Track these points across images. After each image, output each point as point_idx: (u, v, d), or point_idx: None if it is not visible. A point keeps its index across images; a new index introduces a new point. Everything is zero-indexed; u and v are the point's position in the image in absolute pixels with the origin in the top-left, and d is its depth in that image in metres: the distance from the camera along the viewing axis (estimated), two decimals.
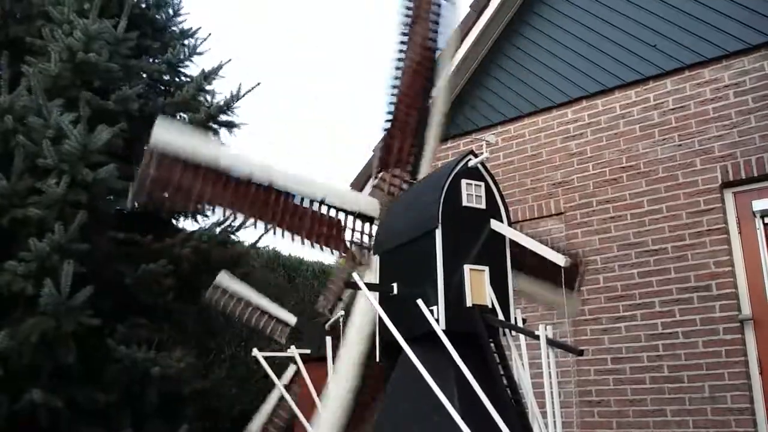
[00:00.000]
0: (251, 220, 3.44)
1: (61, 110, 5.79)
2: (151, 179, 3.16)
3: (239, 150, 3.40)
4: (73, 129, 5.52)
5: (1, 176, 5.44)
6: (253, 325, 3.89)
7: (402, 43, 3.73)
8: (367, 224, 3.57)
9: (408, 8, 3.72)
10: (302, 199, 3.43)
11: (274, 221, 3.42)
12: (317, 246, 3.49)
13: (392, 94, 3.70)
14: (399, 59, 3.72)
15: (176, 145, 3.18)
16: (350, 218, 3.54)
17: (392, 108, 3.69)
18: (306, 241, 3.46)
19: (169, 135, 3.18)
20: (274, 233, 3.46)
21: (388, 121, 3.69)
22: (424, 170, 3.73)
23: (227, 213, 3.52)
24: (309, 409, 3.65)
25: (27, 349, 5.15)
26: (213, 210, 3.43)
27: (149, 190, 3.19)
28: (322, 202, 3.46)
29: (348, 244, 3.51)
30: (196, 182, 3.24)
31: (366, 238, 3.56)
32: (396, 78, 3.71)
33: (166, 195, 3.24)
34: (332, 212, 3.50)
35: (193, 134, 3.30)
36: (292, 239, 3.46)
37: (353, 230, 3.54)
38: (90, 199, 5.58)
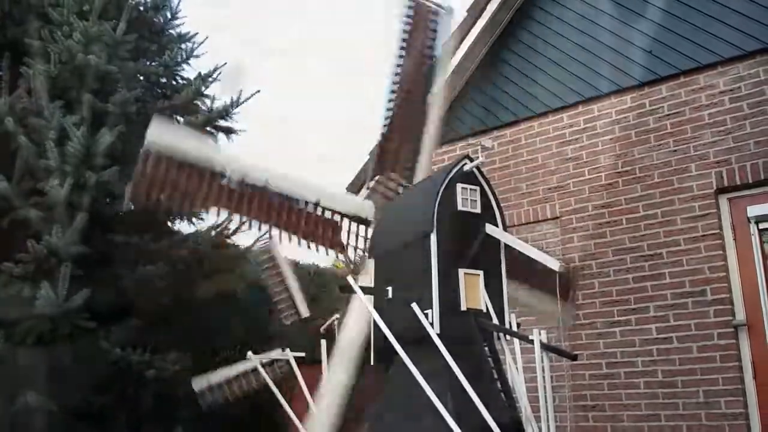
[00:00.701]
0: (247, 221, 3.49)
1: (63, 112, 5.81)
2: (148, 180, 3.21)
3: (234, 152, 3.48)
4: (76, 131, 5.52)
5: (2, 177, 5.44)
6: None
7: (401, 49, 3.84)
8: (363, 227, 3.61)
9: (408, 17, 3.86)
10: (297, 201, 3.49)
11: (269, 221, 3.48)
12: (313, 246, 3.55)
13: (390, 99, 3.77)
14: (398, 65, 3.82)
15: (172, 146, 3.23)
16: (346, 221, 3.59)
17: (390, 112, 3.74)
18: (302, 241, 3.52)
19: (164, 135, 3.23)
20: (270, 234, 3.51)
21: (386, 125, 3.73)
22: (421, 174, 3.75)
23: (223, 214, 3.57)
24: (303, 410, 3.66)
25: (23, 351, 5.15)
26: (208, 211, 3.48)
27: (146, 191, 3.23)
28: (317, 204, 3.52)
29: (344, 245, 3.56)
30: (192, 183, 3.29)
31: (362, 241, 3.59)
32: (395, 83, 3.80)
33: (163, 196, 3.28)
34: (327, 214, 3.55)
35: (189, 135, 3.35)
36: (289, 239, 3.52)
37: (349, 232, 3.59)
38: (91, 201, 5.58)
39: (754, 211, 5.02)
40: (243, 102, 7.02)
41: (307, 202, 3.51)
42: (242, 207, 3.42)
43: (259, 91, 7.08)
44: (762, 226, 5.00)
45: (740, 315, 4.93)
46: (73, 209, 5.46)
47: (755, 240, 5.00)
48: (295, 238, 3.52)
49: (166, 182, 3.24)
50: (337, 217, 3.58)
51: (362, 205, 3.64)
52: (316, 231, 3.54)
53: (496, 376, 2.90)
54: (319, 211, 3.53)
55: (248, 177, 3.38)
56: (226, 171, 3.34)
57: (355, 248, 3.60)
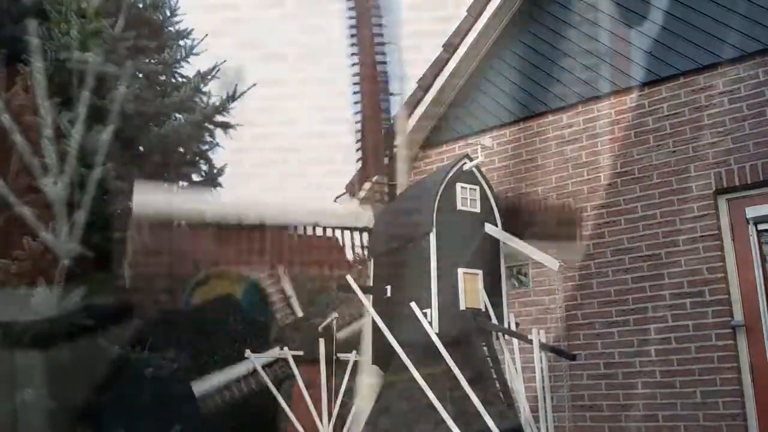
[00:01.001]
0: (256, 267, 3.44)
1: (60, 110, 5.79)
2: (144, 249, 3.08)
3: (220, 199, 3.38)
4: (71, 128, 5.51)
5: None
6: None
7: (353, 45, 3.71)
8: (365, 234, 3.58)
9: (351, 9, 3.71)
10: (295, 228, 3.39)
11: (273, 261, 3.48)
12: (324, 271, 3.51)
13: (356, 103, 3.67)
14: (355, 66, 3.68)
15: (159, 208, 3.08)
16: (347, 234, 3.54)
17: (359, 118, 3.65)
18: (309, 270, 3.51)
19: (149, 199, 3.09)
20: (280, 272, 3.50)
21: (358, 131, 3.66)
22: (402, 172, 3.72)
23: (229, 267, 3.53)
24: (300, 409, 3.65)
25: (20, 349, 5.14)
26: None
27: (144, 261, 3.17)
28: (315, 226, 3.43)
29: (350, 260, 3.52)
30: (188, 241, 3.17)
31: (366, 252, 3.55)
32: (356, 89, 3.67)
33: (162, 263, 3.20)
34: (329, 232, 3.48)
35: (173, 193, 3.25)
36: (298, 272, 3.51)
37: (353, 246, 3.54)
38: (86, 198, 5.56)
39: (752, 212, 5.02)
40: (239, 96, 7.01)
41: (305, 227, 3.42)
42: (243, 254, 3.29)
43: (255, 85, 7.09)
44: (761, 227, 5.00)
45: (738, 316, 4.92)
46: (70, 207, 5.45)
47: (754, 241, 5.00)
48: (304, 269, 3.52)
49: (163, 247, 3.10)
50: (338, 233, 3.49)
51: (358, 214, 3.60)
52: (321, 256, 3.49)
53: (494, 375, 2.89)
54: (319, 231, 3.45)
55: (242, 221, 3.24)
56: (219, 220, 3.20)
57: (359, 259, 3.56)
